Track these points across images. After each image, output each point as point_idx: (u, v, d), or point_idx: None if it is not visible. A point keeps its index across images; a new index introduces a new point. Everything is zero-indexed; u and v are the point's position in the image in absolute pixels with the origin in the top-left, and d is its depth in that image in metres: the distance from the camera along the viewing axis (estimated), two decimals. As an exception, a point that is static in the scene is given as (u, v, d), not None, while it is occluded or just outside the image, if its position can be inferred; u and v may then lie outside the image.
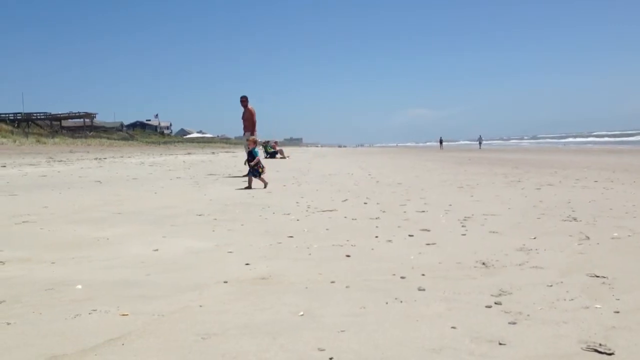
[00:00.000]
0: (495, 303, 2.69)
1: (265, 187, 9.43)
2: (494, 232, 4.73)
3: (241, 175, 12.89)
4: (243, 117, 13.18)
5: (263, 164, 10.08)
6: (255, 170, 9.70)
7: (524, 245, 4.11)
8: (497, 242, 4.29)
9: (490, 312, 2.57)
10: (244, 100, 13.14)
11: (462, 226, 5.06)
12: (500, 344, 2.18)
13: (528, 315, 2.52)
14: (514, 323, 2.41)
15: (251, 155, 9.91)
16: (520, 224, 5.19)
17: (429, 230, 4.83)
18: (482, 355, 2.08)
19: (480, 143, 67.62)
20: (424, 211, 6.12)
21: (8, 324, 2.45)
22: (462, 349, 2.13)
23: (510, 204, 6.72)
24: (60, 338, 2.27)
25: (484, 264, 3.54)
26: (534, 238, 4.39)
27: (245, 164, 10.00)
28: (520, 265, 3.50)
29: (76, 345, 2.18)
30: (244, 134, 13.21)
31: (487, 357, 2.06)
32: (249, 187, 9.43)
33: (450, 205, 6.61)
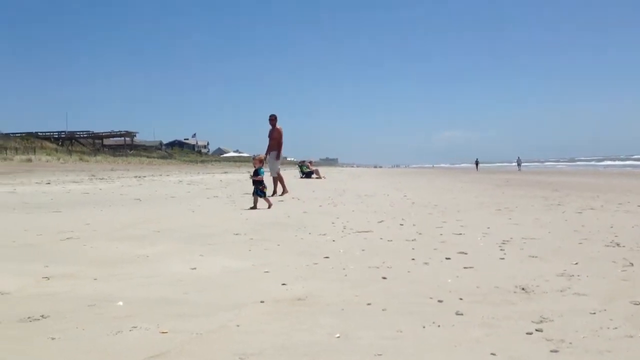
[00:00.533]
0: (536, 330, 2.64)
1: (269, 207, 9.35)
2: (533, 256, 4.64)
3: (272, 195, 12.97)
4: (270, 136, 13.35)
5: (266, 184, 9.95)
6: (260, 190, 9.62)
7: (565, 270, 4.02)
8: (537, 266, 4.21)
9: (531, 339, 2.52)
10: (273, 119, 13.31)
11: (501, 250, 4.98)
12: (541, 372, 2.14)
13: (570, 343, 2.46)
14: (556, 351, 2.36)
15: (256, 174, 9.84)
16: (561, 248, 5.08)
17: (466, 253, 4.77)
18: (522, 383, 2.04)
19: (519, 165, 66.69)
20: (461, 234, 6.05)
21: (52, 339, 2.51)
22: (502, 376, 2.09)
23: (550, 227, 6.59)
24: (103, 354, 2.31)
25: (523, 289, 3.47)
26: (576, 263, 4.30)
27: (250, 177, 9.94)
28: (561, 291, 3.43)
29: (117, 361, 2.22)
30: (269, 153, 13.34)
31: (527, 385, 2.02)
32: (254, 207, 9.36)
33: (488, 228, 6.52)
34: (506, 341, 2.48)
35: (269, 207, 9.38)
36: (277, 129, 13.31)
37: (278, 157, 13.34)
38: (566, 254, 4.75)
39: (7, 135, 60.29)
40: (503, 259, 4.58)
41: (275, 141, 13.27)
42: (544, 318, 2.83)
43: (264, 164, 10.19)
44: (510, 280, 3.70)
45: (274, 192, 12.92)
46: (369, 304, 3.12)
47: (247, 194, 13.58)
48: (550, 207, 9.66)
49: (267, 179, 13.18)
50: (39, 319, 2.82)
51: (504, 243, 5.33)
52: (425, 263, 4.38)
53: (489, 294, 3.36)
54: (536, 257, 4.62)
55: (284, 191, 13.15)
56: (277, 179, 13.28)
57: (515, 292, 3.40)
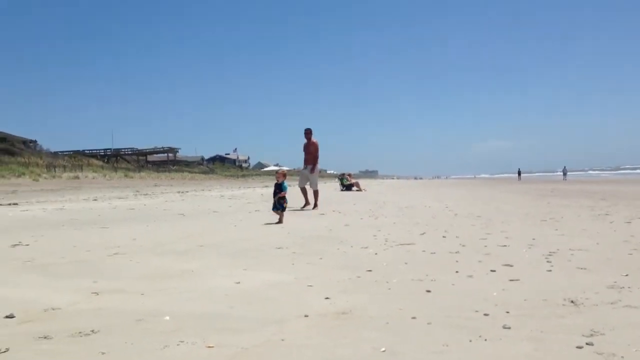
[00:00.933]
0: (587, 344, 2.57)
1: (279, 222, 9.23)
2: (582, 268, 4.53)
3: (312, 208, 13.01)
4: (306, 150, 13.49)
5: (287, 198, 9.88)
6: (280, 204, 9.57)
7: (616, 282, 3.91)
8: (586, 279, 4.10)
9: (582, 353, 2.46)
10: (308, 133, 13.45)
11: (547, 261, 4.87)
12: (593, 387, 2.08)
13: (622, 357, 2.39)
14: (608, 366, 2.29)
15: (279, 189, 9.80)
16: (610, 260, 4.94)
17: (511, 266, 4.69)
18: (574, 399, 1.99)
19: (565, 174, 65.25)
20: (505, 245, 5.95)
21: (102, 353, 2.57)
22: (553, 392, 2.05)
23: (598, 238, 6.42)
24: (151, 368, 2.36)
25: (572, 302, 3.39)
26: (626, 275, 4.17)
27: (274, 196, 9.81)
28: (612, 303, 3.34)
29: (166, 375, 2.26)
30: (305, 167, 13.50)
31: (580, 401, 1.97)
32: (280, 221, 9.27)
33: (534, 239, 6.39)
34: (556, 355, 2.43)
35: (280, 221, 9.29)
36: (313, 142, 13.45)
37: (314, 170, 13.47)
38: (616, 265, 4.63)
39: (55, 154, 62.28)
40: (550, 271, 4.48)
41: (312, 155, 13.41)
42: (594, 331, 2.76)
43: (286, 177, 10.18)
44: (559, 293, 3.61)
45: (306, 204, 13.04)
46: (413, 318, 3.10)
47: (289, 207, 13.67)
48: (597, 217, 9.41)
49: (298, 192, 13.29)
50: (89, 334, 2.89)
51: (550, 254, 5.22)
52: (470, 276, 4.32)
53: (536, 307, 3.29)
54: (585, 268, 4.51)
55: (315, 206, 13.17)
56: (315, 193, 13.36)
57: (564, 305, 3.32)
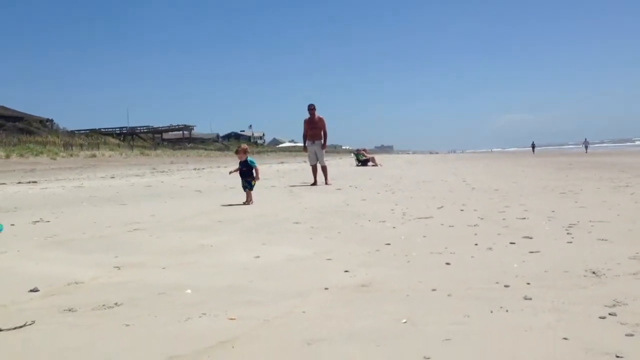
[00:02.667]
0: (610, 314, 2.55)
1: (248, 203, 8.45)
2: (603, 239, 4.49)
3: (331, 184, 12.99)
4: (312, 125, 13.26)
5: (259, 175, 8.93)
6: (248, 183, 8.70)
7: (638, 253, 3.86)
8: (607, 250, 4.07)
9: (605, 324, 2.44)
10: (312, 109, 13.20)
11: (568, 233, 4.83)
12: (617, 357, 2.07)
13: (647, 327, 2.37)
14: (632, 335, 2.28)
15: (247, 165, 8.78)
16: (631, 231, 4.89)
17: (531, 238, 4.66)
18: (598, 368, 1.98)
19: (586, 147, 64.33)
20: (524, 218, 5.91)
21: (126, 325, 2.61)
22: (576, 362, 2.04)
23: (619, 210, 6.35)
24: (175, 340, 2.39)
25: (594, 272, 3.36)
26: (648, 246, 4.13)
27: (242, 176, 8.81)
28: (634, 274, 3.30)
29: (190, 347, 2.29)
30: (312, 142, 13.29)
31: (604, 370, 1.96)
32: (248, 202, 8.49)
33: (553, 211, 6.33)
34: (578, 326, 2.42)
35: (250, 202, 8.48)
36: (320, 118, 13.30)
37: (325, 146, 13.37)
38: (637, 236, 4.59)
39: (72, 133, 62.80)
40: (571, 242, 4.44)
41: (320, 130, 13.28)
42: (617, 302, 2.74)
43: (248, 153, 8.97)
44: (580, 264, 3.59)
45: (314, 184, 12.91)
46: (433, 290, 3.10)
47: (304, 183, 13.69)
48: (617, 188, 9.30)
49: (301, 169, 13.19)
50: (112, 307, 2.93)
51: (570, 226, 5.17)
52: (489, 248, 4.30)
53: (558, 279, 3.27)
54: (606, 240, 4.46)
55: (326, 182, 13.10)
56: (324, 168, 13.27)
57: (585, 276, 3.30)
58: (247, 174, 8.74)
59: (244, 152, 8.89)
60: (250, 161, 8.80)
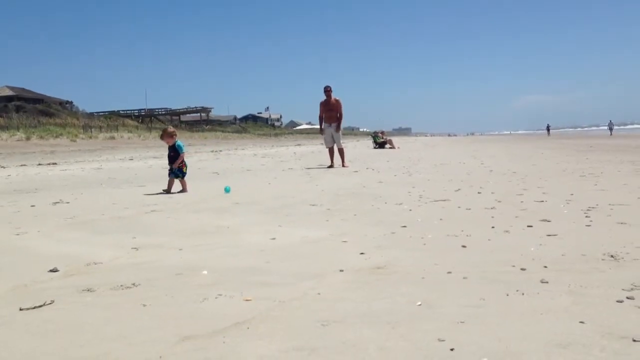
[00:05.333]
0: (628, 298, 2.52)
1: (182, 191, 7.85)
2: (622, 223, 4.43)
3: (348, 166, 12.97)
4: (329, 107, 13.15)
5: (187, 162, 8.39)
6: (179, 170, 8.07)
7: (658, 237, 3.82)
8: (627, 233, 4.02)
9: (622, 307, 2.42)
10: (328, 90, 13.08)
11: (586, 217, 4.78)
12: (634, 340, 2.05)
13: (665, 311, 2.34)
14: (650, 319, 2.25)
15: (174, 151, 8.17)
16: (651, 214, 4.83)
17: (549, 221, 4.61)
18: (615, 352, 1.96)
19: (611, 129, 62.94)
20: (543, 201, 5.85)
21: (144, 305, 2.64)
22: (593, 345, 2.02)
23: (639, 193, 6.26)
24: (191, 320, 2.41)
25: (612, 256, 3.33)
26: (669, 230, 4.07)
27: (170, 162, 8.24)
28: (654, 258, 3.26)
29: (206, 327, 2.31)
30: (329, 125, 13.21)
31: (620, 354, 1.95)
32: (168, 191, 7.82)
33: (572, 194, 6.26)
34: (595, 309, 2.39)
35: (183, 190, 7.91)
36: (337, 100, 13.20)
37: (339, 128, 13.30)
38: (658, 220, 4.52)
39: (91, 115, 63.35)
40: (589, 226, 4.40)
41: (336, 112, 13.19)
42: (635, 286, 2.70)
43: (176, 137, 8.31)
44: (598, 248, 3.55)
45: (331, 167, 12.87)
46: (449, 273, 3.09)
47: (321, 165, 13.69)
48: (638, 171, 9.17)
49: (318, 152, 13.15)
50: (130, 287, 2.96)
51: (589, 210, 5.12)
52: (506, 231, 4.27)
53: (575, 262, 3.24)
54: (625, 223, 4.41)
55: (343, 164, 13.07)
56: (341, 151, 13.22)
57: (603, 260, 3.26)
58: (175, 160, 8.16)
59: (170, 137, 8.22)
60: (178, 145, 8.23)
